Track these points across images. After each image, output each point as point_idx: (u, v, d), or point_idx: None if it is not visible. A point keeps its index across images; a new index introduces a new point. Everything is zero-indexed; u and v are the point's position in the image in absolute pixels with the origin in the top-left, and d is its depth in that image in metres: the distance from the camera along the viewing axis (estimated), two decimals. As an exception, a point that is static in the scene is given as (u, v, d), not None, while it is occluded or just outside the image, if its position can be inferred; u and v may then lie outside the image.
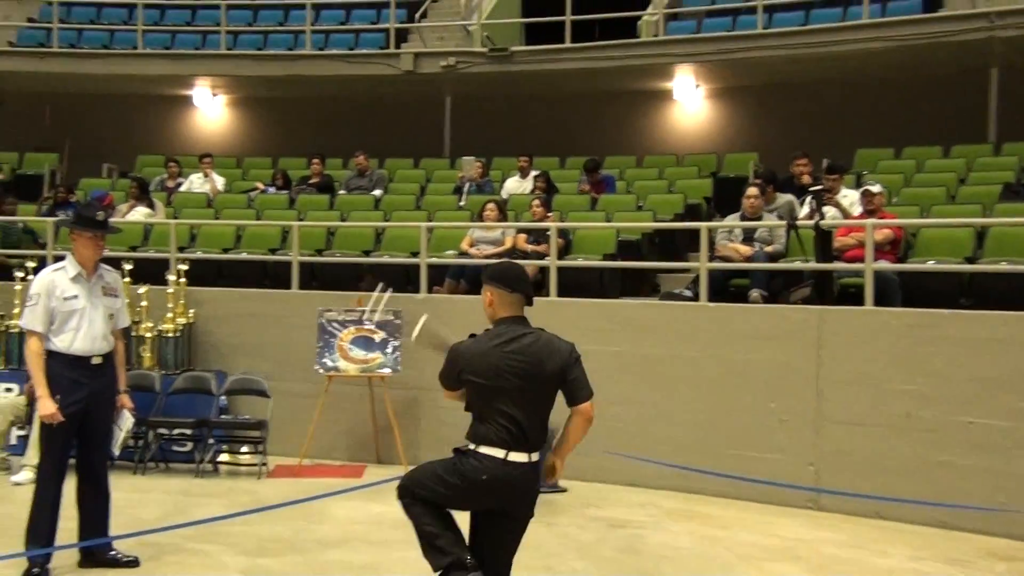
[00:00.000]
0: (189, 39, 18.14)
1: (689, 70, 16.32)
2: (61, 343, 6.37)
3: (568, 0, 15.96)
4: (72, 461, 6.55)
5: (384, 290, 9.43)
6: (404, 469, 9.30)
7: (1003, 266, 9.00)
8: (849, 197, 10.44)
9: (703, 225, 10.27)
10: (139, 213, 13.13)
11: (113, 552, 6.64)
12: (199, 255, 11.85)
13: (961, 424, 8.08)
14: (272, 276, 11.74)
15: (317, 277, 11.61)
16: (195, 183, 15.06)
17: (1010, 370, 7.96)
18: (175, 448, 10.10)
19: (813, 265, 9.30)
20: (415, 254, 11.11)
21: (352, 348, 10.15)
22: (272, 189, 14.87)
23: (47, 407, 6.25)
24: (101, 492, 6.60)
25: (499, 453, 4.37)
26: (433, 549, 4.45)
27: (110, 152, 17.48)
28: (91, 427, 6.47)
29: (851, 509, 8.42)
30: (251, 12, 18.80)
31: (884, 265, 9.09)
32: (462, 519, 4.69)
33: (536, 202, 11.59)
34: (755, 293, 9.61)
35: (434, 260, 10.92)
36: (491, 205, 11.57)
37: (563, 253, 10.86)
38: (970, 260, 9.34)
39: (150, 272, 11.01)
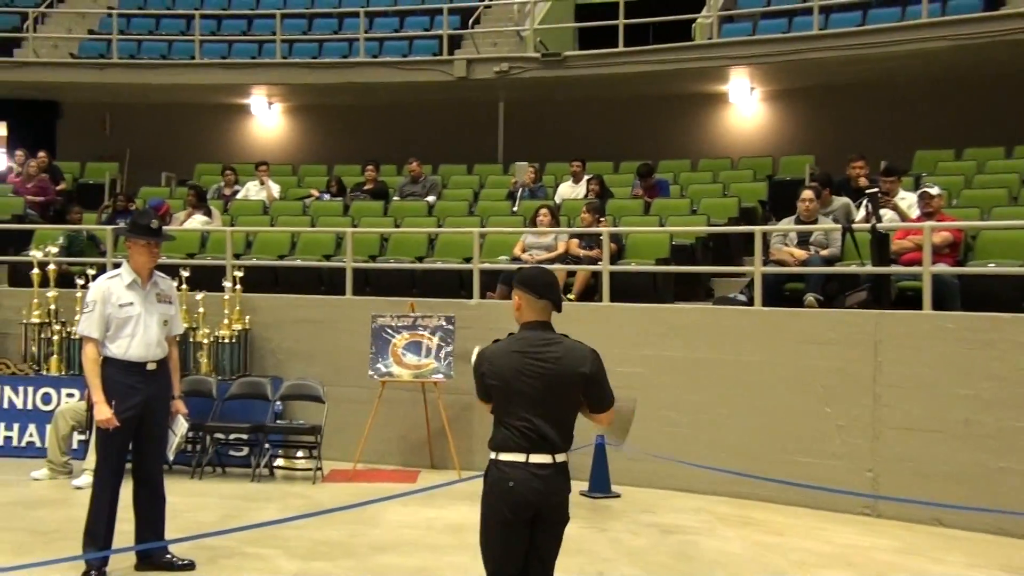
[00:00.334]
0: (245, 48, 18.35)
1: (744, 72, 16.21)
2: (117, 349, 6.47)
3: (621, 4, 15.91)
4: (128, 465, 6.64)
5: None
6: (457, 474, 9.40)
7: (1066, 268, 8.82)
8: (907, 200, 10.30)
9: (757, 229, 10.18)
10: (196, 221, 13.29)
11: (169, 555, 6.72)
12: (255, 262, 11.96)
13: (1021, 430, 7.92)
14: (327, 282, 11.82)
15: (371, 283, 11.67)
16: (251, 191, 15.23)
17: (1073, 375, 7.80)
18: (231, 453, 10.23)
19: (869, 268, 9.18)
20: (468, 260, 11.14)
21: (406, 353, 10.19)
22: (327, 196, 14.98)
23: (103, 412, 6.35)
24: (157, 496, 6.69)
25: (520, 457, 4.36)
26: None
27: (169, 161, 17.74)
28: (146, 432, 6.56)
29: (908, 516, 8.28)
30: (306, 21, 18.99)
31: (943, 268, 8.95)
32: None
33: (585, 210, 11.55)
34: (810, 297, 9.50)
35: (487, 266, 10.93)
36: (544, 210, 11.56)
37: (616, 258, 10.82)
38: (1031, 263, 9.15)
39: (207, 279, 11.16)
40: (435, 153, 16.51)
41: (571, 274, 10.84)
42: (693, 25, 16.17)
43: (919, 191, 10.04)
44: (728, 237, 12.14)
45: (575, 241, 11.22)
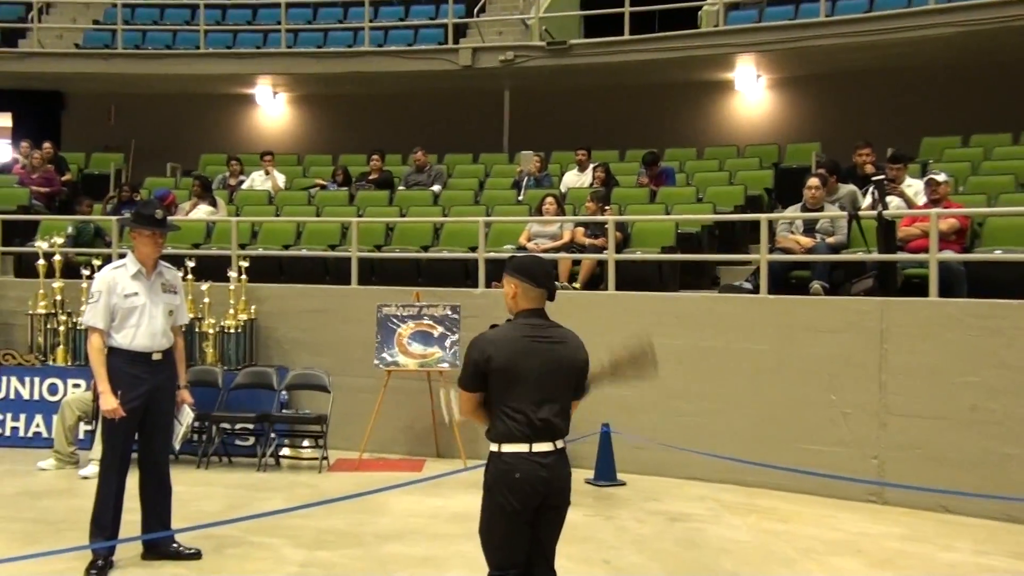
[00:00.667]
0: (250, 38, 18.34)
1: (750, 60, 16.16)
2: (122, 339, 6.47)
3: (627, -9, 15.87)
4: (135, 455, 6.65)
5: None
6: (463, 463, 9.39)
7: (1073, 255, 8.78)
8: (914, 187, 10.26)
9: (763, 217, 10.14)
10: (202, 211, 13.29)
11: (175, 545, 6.73)
12: (260, 252, 11.96)
13: (1028, 417, 7.91)
14: (332, 272, 11.82)
15: (376, 273, 11.66)
16: (256, 181, 15.21)
17: (1080, 361, 7.77)
18: (237, 442, 10.24)
19: (876, 256, 9.16)
20: (473, 249, 11.12)
21: (411, 343, 10.19)
22: (333, 186, 14.97)
23: (109, 402, 6.35)
24: (163, 485, 6.70)
25: (523, 448, 4.36)
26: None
27: (174, 151, 17.74)
28: (152, 422, 6.56)
29: (915, 503, 8.28)
30: (311, 10, 18.97)
31: (949, 255, 8.92)
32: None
33: (590, 199, 11.52)
34: (816, 285, 9.49)
35: (492, 255, 10.91)
36: (550, 199, 11.54)
37: (622, 246, 10.81)
38: (1038, 249, 9.12)
39: (212, 269, 11.16)
40: (440, 142, 16.48)
41: (576, 263, 10.83)
42: (699, 12, 16.13)
43: (926, 178, 10.01)
44: (734, 225, 12.12)
45: (581, 229, 11.19)
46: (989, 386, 8.08)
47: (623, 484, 9.13)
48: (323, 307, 11.01)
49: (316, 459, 9.88)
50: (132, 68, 17.83)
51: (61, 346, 10.94)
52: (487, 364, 4.40)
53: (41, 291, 11.12)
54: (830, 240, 9.82)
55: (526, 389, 4.38)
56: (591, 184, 13.38)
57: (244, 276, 10.94)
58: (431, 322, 10.18)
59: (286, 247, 12.40)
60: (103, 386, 6.40)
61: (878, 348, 8.59)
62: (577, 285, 10.56)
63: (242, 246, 11.89)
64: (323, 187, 14.96)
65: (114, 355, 6.47)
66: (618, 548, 7.19)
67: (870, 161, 11.50)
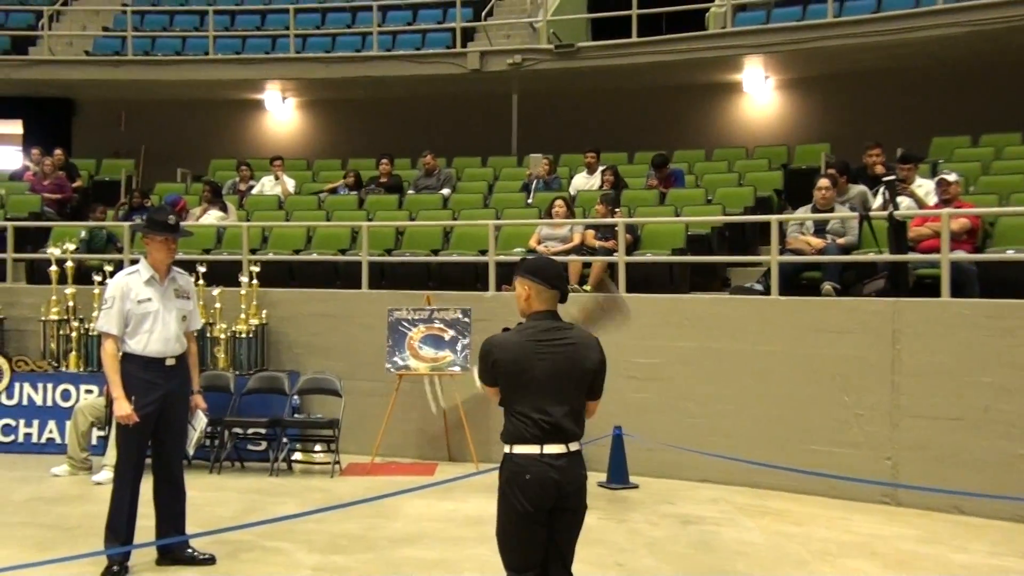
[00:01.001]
0: (259, 44, 18.36)
1: (758, 61, 16.12)
2: (136, 345, 6.49)
3: (634, -6, 15.87)
4: (148, 461, 6.67)
5: None
6: (475, 466, 9.40)
7: (1085, 254, 8.76)
8: (924, 187, 10.24)
9: (773, 218, 10.14)
10: (212, 216, 13.32)
11: (190, 550, 6.74)
12: (271, 256, 12.00)
13: (1042, 417, 7.89)
14: (343, 276, 11.84)
15: (387, 276, 11.69)
16: (266, 185, 15.25)
17: (1093, 361, 7.75)
18: (250, 447, 10.26)
19: (887, 256, 9.15)
20: (483, 252, 11.14)
21: (422, 347, 10.20)
22: (345, 189, 15.00)
23: (123, 408, 6.37)
24: (177, 490, 6.71)
25: (534, 449, 4.37)
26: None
27: (184, 157, 17.77)
28: (166, 427, 6.58)
29: (929, 504, 8.26)
30: (319, 15, 18.99)
31: (961, 255, 8.90)
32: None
33: (599, 201, 11.51)
34: (827, 286, 9.47)
35: (502, 258, 10.92)
36: (559, 202, 11.55)
37: (632, 248, 10.81)
38: (1051, 249, 9.10)
39: (223, 274, 11.20)
40: (449, 146, 16.50)
41: (586, 265, 10.83)
42: (706, 14, 16.09)
43: (936, 178, 9.99)
44: (744, 227, 12.10)
45: (591, 232, 11.20)
46: (1002, 386, 8.06)
47: (636, 487, 9.13)
48: (334, 311, 11.03)
49: (328, 463, 9.90)
50: (142, 74, 17.86)
51: (74, 352, 10.99)
52: (493, 368, 4.46)
53: (53, 297, 11.17)
54: (841, 241, 9.81)
55: (534, 391, 4.39)
56: (600, 187, 13.39)
57: (255, 281, 10.97)
58: (442, 325, 10.19)
59: (296, 252, 12.44)
60: (117, 392, 6.42)
61: (890, 349, 8.58)
62: (588, 288, 10.56)
63: (253, 251, 11.93)
64: (334, 191, 14.98)
65: (128, 361, 6.50)
66: (631, 551, 7.19)
67: (880, 161, 11.48)
